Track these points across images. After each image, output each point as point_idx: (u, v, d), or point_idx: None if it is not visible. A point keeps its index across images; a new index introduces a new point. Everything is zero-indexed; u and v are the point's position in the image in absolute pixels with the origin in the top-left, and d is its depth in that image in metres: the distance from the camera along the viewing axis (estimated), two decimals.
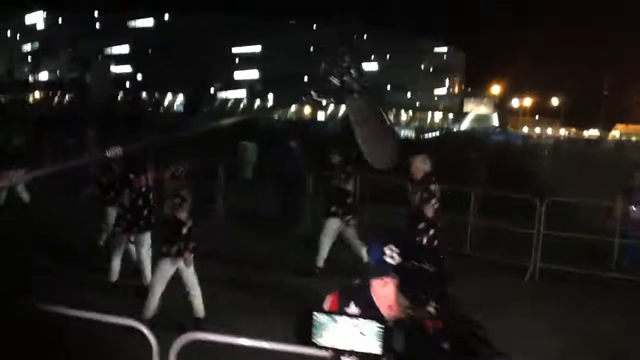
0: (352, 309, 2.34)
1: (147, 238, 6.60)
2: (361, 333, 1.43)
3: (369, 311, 2.32)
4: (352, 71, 1.40)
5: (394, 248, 2.19)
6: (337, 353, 1.48)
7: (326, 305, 2.44)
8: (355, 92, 1.41)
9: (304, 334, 1.47)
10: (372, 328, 1.41)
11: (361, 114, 1.43)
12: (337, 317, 1.45)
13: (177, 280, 7.31)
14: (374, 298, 2.30)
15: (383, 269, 2.18)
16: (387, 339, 1.42)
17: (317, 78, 1.43)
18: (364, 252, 7.29)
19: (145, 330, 2.98)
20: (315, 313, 1.45)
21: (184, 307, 6.21)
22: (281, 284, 7.68)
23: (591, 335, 6.48)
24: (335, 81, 1.40)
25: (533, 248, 8.94)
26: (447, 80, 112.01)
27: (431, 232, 6.52)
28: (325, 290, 2.65)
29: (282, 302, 6.84)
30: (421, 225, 6.51)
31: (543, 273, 8.74)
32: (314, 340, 1.47)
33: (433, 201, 6.54)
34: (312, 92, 1.42)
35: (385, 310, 2.27)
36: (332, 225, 8.25)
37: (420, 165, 6.53)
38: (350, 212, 8.36)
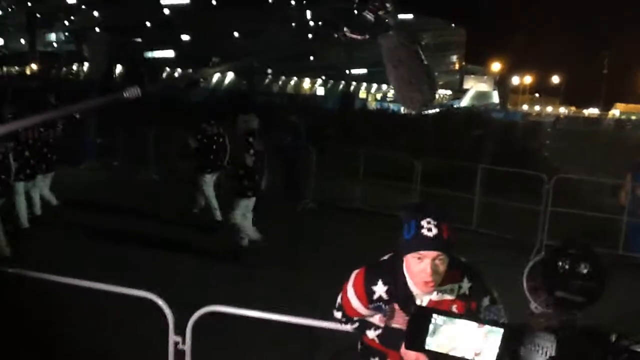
0: (380, 287, 2.25)
1: None
2: (484, 337, 1.32)
3: (399, 289, 2.24)
4: (387, 5, 1.29)
5: (431, 221, 2.08)
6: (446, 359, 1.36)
7: (351, 282, 2.35)
8: (391, 29, 1.31)
9: (416, 336, 1.36)
10: (496, 332, 1.30)
11: (396, 54, 1.33)
12: (457, 320, 1.34)
13: (182, 262, 7.26)
14: (407, 274, 2.20)
15: (419, 243, 2.09)
16: (509, 344, 1.32)
17: (349, 14, 1.29)
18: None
19: (160, 302, 2.90)
20: (434, 315, 1.34)
21: (196, 284, 6.17)
22: (284, 260, 7.61)
23: (594, 313, 6.44)
24: (370, 16, 1.28)
25: (539, 225, 8.88)
26: (447, 57, 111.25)
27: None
28: (336, 266, 2.56)
29: (285, 277, 6.80)
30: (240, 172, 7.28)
31: (549, 250, 8.68)
32: (426, 346, 1.37)
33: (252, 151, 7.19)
34: (345, 29, 1.28)
35: (420, 287, 2.18)
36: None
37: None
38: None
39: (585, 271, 1.29)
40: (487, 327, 1.30)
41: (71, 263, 5.88)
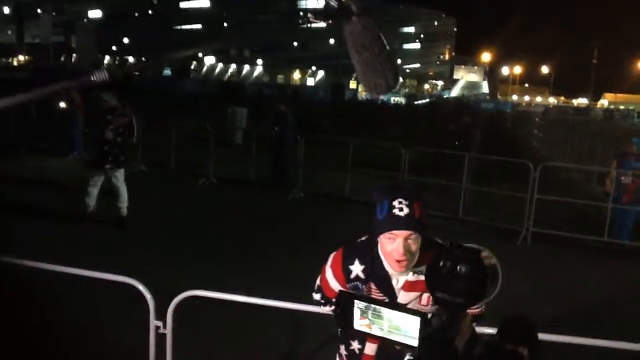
0: (357, 265, 2.28)
1: None
2: (400, 324, 1.37)
3: (374, 268, 2.26)
4: None
5: (403, 201, 2.11)
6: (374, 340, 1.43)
7: (329, 263, 2.38)
8: (355, 15, 1.31)
9: (345, 318, 1.42)
10: (413, 321, 1.35)
11: (360, 39, 1.33)
12: (378, 307, 1.40)
13: (167, 252, 7.28)
14: (381, 255, 2.22)
15: (391, 223, 2.11)
16: (424, 332, 1.35)
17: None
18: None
19: (141, 287, 2.91)
20: (356, 301, 1.40)
21: (177, 270, 6.18)
22: (271, 248, 7.63)
23: (580, 299, 6.52)
24: (334, 2, 1.29)
25: (526, 212, 8.95)
26: (437, 47, 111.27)
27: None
28: (318, 253, 2.58)
29: (271, 265, 6.82)
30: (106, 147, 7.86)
31: (535, 237, 8.76)
32: (354, 326, 1.42)
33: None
34: (309, 15, 1.34)
35: (393, 267, 2.20)
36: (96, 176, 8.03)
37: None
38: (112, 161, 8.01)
39: (465, 273, 1.30)
40: (405, 314, 1.35)
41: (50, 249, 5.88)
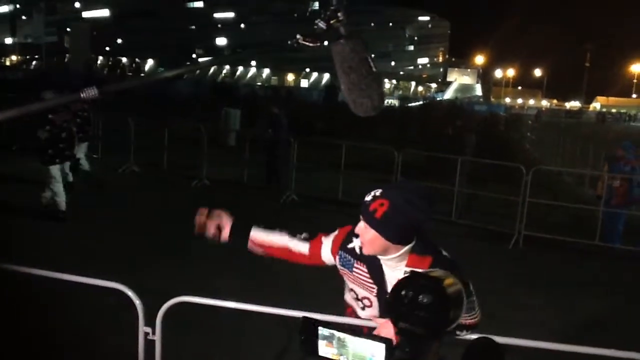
0: (357, 242, 2.36)
1: None
2: (364, 351, 1.35)
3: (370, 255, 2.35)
4: (339, 15, 1.34)
5: (376, 192, 2.21)
6: None
7: (336, 231, 2.48)
8: (343, 37, 1.36)
9: (309, 344, 1.39)
10: (378, 348, 1.33)
11: (347, 61, 1.38)
12: (341, 334, 1.38)
13: (155, 252, 7.25)
14: None
15: (363, 209, 2.22)
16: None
17: (305, 21, 1.36)
18: None
19: (130, 293, 2.89)
20: (320, 327, 1.38)
21: (169, 274, 6.15)
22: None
23: (570, 303, 6.53)
24: (322, 24, 1.32)
25: (518, 216, 8.97)
26: (431, 50, 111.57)
27: None
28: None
29: (264, 268, 6.79)
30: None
31: (527, 240, 8.78)
32: (319, 353, 1.40)
33: None
34: (298, 36, 1.34)
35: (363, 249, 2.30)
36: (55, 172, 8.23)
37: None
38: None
39: (427, 303, 1.28)
40: (370, 341, 1.33)
41: (40, 254, 5.84)
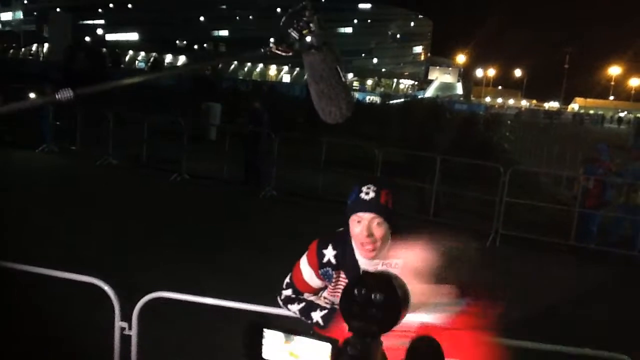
0: (330, 250, 2.37)
1: None
2: (311, 352, 1.35)
3: (345, 255, 2.36)
4: (311, 25, 1.39)
5: (371, 186, 2.23)
6: None
7: (306, 253, 2.46)
8: (314, 48, 1.41)
9: (253, 349, 1.38)
10: (324, 348, 1.33)
11: (318, 70, 1.45)
12: (286, 335, 1.37)
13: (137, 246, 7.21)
14: (353, 242, 2.31)
15: (357, 205, 2.23)
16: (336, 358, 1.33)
17: (277, 31, 1.42)
18: None
19: (106, 288, 2.88)
20: (265, 330, 1.37)
21: (146, 269, 6.12)
22: (242, 246, 7.61)
23: (543, 301, 6.61)
24: (295, 34, 1.38)
25: (495, 215, 9.08)
26: (413, 48, 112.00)
27: None
28: (290, 252, 2.59)
29: (242, 263, 6.80)
30: None
31: (503, 239, 8.89)
32: (263, 356, 1.39)
33: None
34: (271, 45, 1.39)
35: (360, 251, 2.28)
36: None
37: None
38: None
39: (380, 301, 1.32)
40: (317, 341, 1.34)
41: (15, 246, 5.79)
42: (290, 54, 1.41)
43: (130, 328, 2.85)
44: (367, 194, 2.21)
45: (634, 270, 8.32)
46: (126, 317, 2.87)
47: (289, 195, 10.80)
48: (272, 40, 1.39)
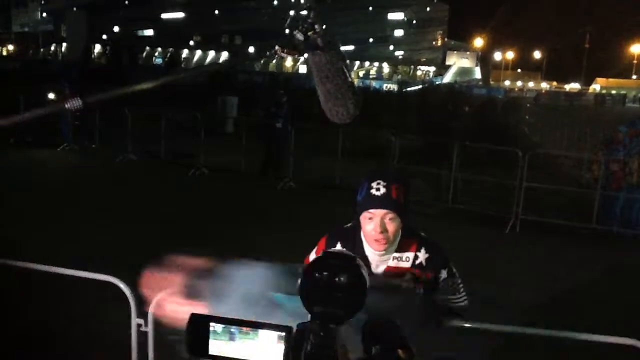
0: (338, 247, 2.33)
1: None
2: (269, 341, 1.29)
3: (355, 252, 2.30)
4: (316, 27, 1.39)
5: (381, 182, 2.20)
6: None
7: (315, 248, 2.45)
8: (319, 48, 1.42)
9: (197, 342, 1.31)
10: (280, 336, 1.27)
11: (324, 71, 1.46)
12: (235, 328, 1.30)
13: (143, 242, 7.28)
14: (363, 238, 2.29)
15: (368, 202, 2.20)
16: (294, 346, 1.26)
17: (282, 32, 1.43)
18: None
19: (122, 286, 2.92)
20: (212, 323, 1.31)
21: (149, 258, 6.15)
22: (261, 239, 7.63)
23: (564, 287, 6.55)
24: (300, 36, 1.38)
25: (515, 200, 8.99)
26: (430, 33, 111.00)
27: None
28: (305, 245, 2.58)
29: (261, 256, 6.81)
30: None
31: (524, 224, 8.81)
32: (210, 352, 1.31)
33: None
34: (277, 47, 1.39)
35: (372, 246, 2.26)
36: None
37: None
38: None
39: (345, 283, 1.23)
40: (271, 331, 1.28)
41: (37, 245, 5.88)
42: (296, 55, 1.42)
43: (146, 325, 2.88)
44: (377, 189, 2.18)
45: None
46: (143, 314, 2.91)
47: (306, 187, 10.81)
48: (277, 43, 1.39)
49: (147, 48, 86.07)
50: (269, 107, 11.88)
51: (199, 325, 1.32)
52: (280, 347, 1.28)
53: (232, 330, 1.30)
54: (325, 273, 1.25)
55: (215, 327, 1.32)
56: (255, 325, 1.29)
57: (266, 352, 1.28)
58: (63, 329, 4.30)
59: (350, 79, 1.47)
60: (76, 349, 4.07)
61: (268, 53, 1.41)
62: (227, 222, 8.30)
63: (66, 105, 1.31)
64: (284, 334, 1.26)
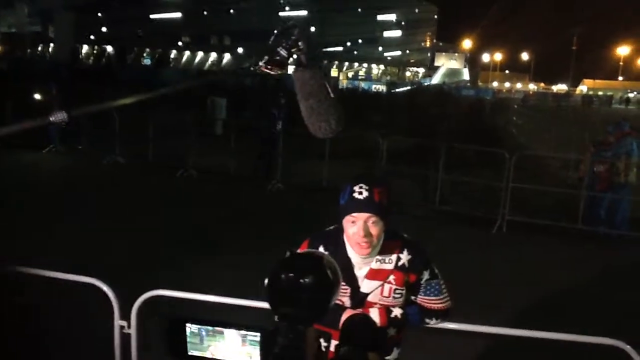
0: (321, 251, 2.31)
1: None
2: (248, 343, 1.29)
3: (338, 255, 2.31)
4: (300, 44, 1.45)
5: (363, 185, 2.20)
6: None
7: (299, 250, 2.42)
8: (302, 65, 1.48)
9: (177, 345, 1.32)
10: (255, 337, 1.28)
11: (307, 87, 1.51)
12: (211, 328, 1.31)
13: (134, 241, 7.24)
14: (346, 241, 2.29)
15: (351, 206, 2.20)
16: (268, 347, 1.25)
17: (267, 49, 1.48)
18: None
19: (104, 288, 2.90)
20: (188, 324, 1.32)
21: (137, 261, 6.15)
22: (249, 241, 7.62)
23: (550, 287, 6.58)
24: (284, 53, 1.44)
25: (501, 201, 9.04)
26: (418, 34, 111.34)
27: None
28: (294, 246, 2.57)
29: (249, 258, 6.80)
30: None
31: (511, 225, 8.86)
32: (188, 353, 1.33)
33: None
34: (261, 64, 1.45)
35: (356, 250, 2.26)
36: None
37: None
38: None
39: (310, 283, 1.22)
40: (244, 331, 1.28)
41: (21, 248, 5.83)
42: (279, 72, 1.46)
43: (129, 326, 2.87)
44: (360, 193, 2.18)
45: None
46: (126, 316, 2.90)
47: (295, 188, 10.81)
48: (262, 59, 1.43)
49: (135, 49, 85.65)
50: (271, 110, 11.78)
51: (176, 327, 1.33)
52: (246, 349, 1.28)
53: (208, 330, 1.31)
54: (291, 274, 1.23)
55: (191, 328, 1.32)
56: (231, 326, 1.29)
57: (239, 352, 1.29)
58: (45, 331, 4.27)
59: (332, 95, 1.51)
60: (59, 351, 4.04)
61: (252, 68, 1.46)
62: (215, 224, 8.28)
63: (51, 119, 1.33)
64: (248, 334, 1.26)
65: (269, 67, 1.43)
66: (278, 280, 1.25)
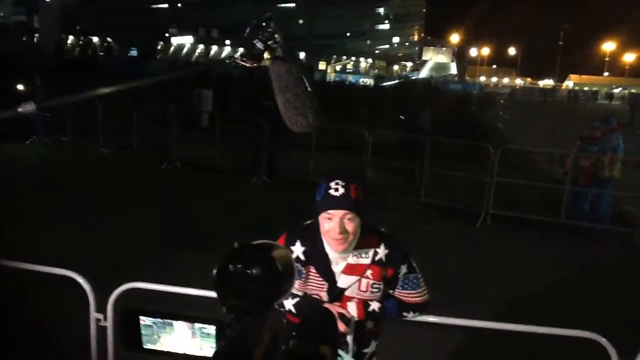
0: (298, 247, 2.33)
1: None
2: (199, 335, 1.29)
3: (314, 250, 2.32)
4: (276, 37, 1.43)
5: (339, 182, 2.19)
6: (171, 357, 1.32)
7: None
8: (279, 58, 1.46)
9: (130, 338, 1.31)
10: (209, 330, 1.27)
11: (284, 80, 1.48)
12: (165, 321, 1.29)
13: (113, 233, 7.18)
14: (323, 237, 2.28)
15: (327, 203, 2.19)
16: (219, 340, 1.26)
17: (243, 42, 1.43)
18: None
19: (80, 280, 2.87)
20: (142, 317, 1.30)
21: (119, 253, 6.10)
22: (234, 234, 7.57)
23: (533, 281, 6.60)
24: (260, 45, 1.41)
25: (485, 195, 9.07)
26: (406, 28, 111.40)
27: None
28: (273, 239, 2.55)
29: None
30: None
31: (495, 219, 8.90)
32: (143, 346, 1.31)
33: None
34: (237, 57, 1.43)
35: (332, 246, 2.26)
36: None
37: None
38: None
39: (257, 274, 1.22)
40: (197, 324, 1.28)
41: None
42: (256, 65, 1.43)
43: (105, 319, 2.84)
44: (336, 190, 2.18)
45: (624, 247, 8.35)
46: (102, 309, 2.87)
47: (280, 181, 10.78)
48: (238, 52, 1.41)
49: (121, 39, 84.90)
50: (264, 102, 11.64)
51: (130, 320, 1.31)
52: (196, 341, 1.27)
53: (162, 323, 1.29)
54: (238, 265, 1.21)
55: (145, 320, 1.31)
56: (185, 319, 1.28)
57: (189, 344, 1.28)
58: (21, 325, 4.22)
59: (309, 89, 1.49)
60: (36, 346, 3.99)
61: (227, 61, 1.45)
62: (199, 217, 8.24)
63: (19, 110, 1.29)
64: (198, 326, 1.25)
65: (244, 59, 1.40)
66: (226, 271, 1.22)
